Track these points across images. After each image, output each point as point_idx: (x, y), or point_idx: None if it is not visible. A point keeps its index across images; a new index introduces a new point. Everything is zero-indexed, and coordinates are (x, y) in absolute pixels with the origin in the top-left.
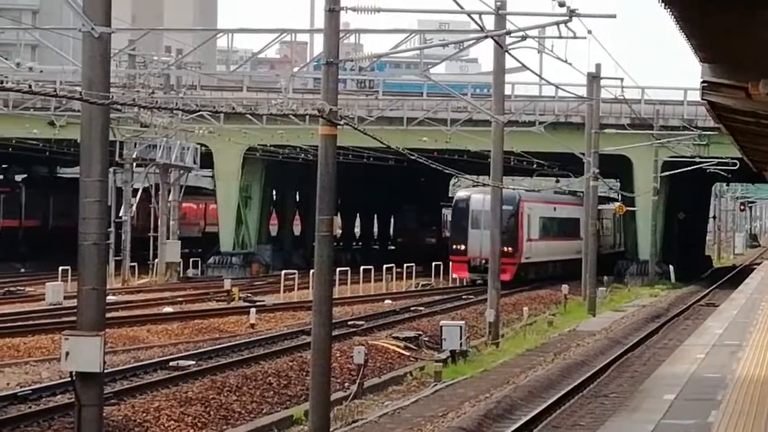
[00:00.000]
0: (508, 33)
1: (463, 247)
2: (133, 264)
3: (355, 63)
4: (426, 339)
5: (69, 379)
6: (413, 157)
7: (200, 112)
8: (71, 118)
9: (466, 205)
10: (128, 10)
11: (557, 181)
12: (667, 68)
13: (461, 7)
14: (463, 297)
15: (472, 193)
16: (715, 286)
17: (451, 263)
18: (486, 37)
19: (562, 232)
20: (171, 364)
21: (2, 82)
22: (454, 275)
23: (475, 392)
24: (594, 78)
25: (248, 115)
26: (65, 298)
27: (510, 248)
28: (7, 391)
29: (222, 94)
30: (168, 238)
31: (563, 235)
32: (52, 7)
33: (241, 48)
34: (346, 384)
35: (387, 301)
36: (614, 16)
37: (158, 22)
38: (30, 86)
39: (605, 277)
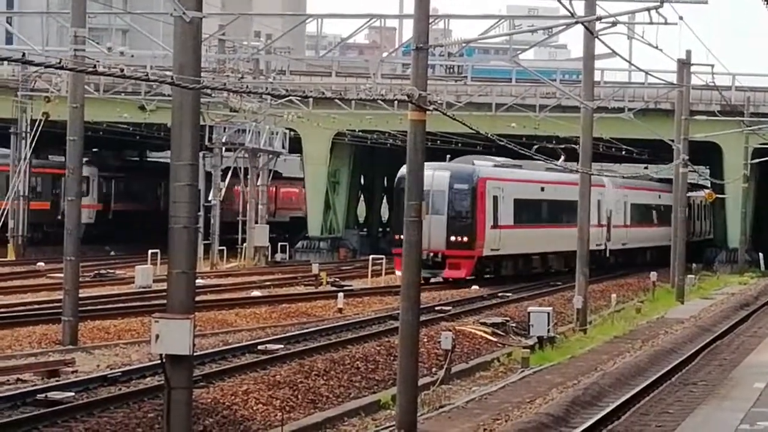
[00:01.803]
0: (599, 19)
1: None
2: (221, 248)
3: (444, 48)
4: (513, 325)
5: (159, 361)
6: (502, 143)
7: (289, 97)
8: (161, 102)
9: None
10: None
11: (645, 168)
12: (759, 55)
13: None
14: (551, 283)
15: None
16: None
17: (394, 258)
18: (576, 22)
19: (558, 217)
20: (259, 347)
21: (94, 67)
22: (398, 272)
23: (562, 379)
24: (684, 64)
25: (337, 100)
26: (154, 281)
27: (465, 238)
28: (98, 372)
29: (311, 79)
30: (256, 223)
31: (558, 222)
32: None
33: (330, 33)
34: (434, 369)
35: (474, 287)
36: (706, 2)
37: (248, 7)
38: (121, 70)
39: (693, 265)
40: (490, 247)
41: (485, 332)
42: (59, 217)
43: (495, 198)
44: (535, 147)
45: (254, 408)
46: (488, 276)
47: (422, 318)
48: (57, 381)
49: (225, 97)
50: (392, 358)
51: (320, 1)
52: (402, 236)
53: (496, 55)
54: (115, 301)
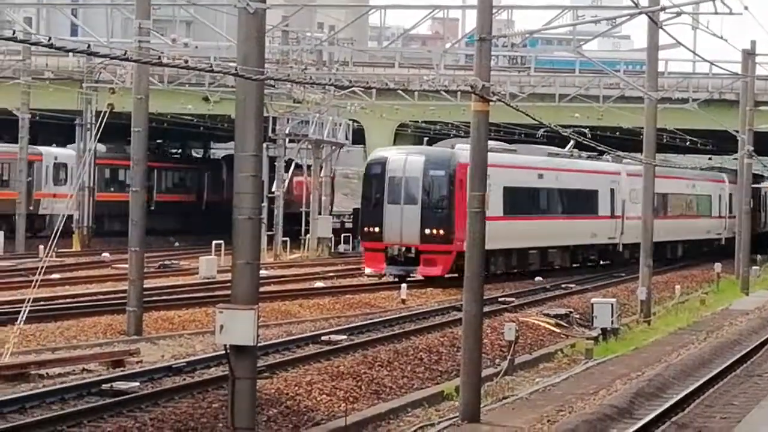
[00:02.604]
0: (663, 9)
1: (377, 229)
2: (285, 239)
3: (508, 39)
4: (577, 316)
5: (223, 351)
6: (565, 134)
7: (352, 88)
8: (225, 93)
9: (382, 169)
10: None
11: (710, 159)
12: None
13: None
14: (614, 275)
15: (391, 154)
16: None
17: (364, 253)
18: (640, 13)
19: (561, 208)
20: (323, 338)
21: (159, 58)
22: (367, 269)
23: (626, 370)
24: (749, 55)
25: (400, 91)
26: (218, 272)
27: (441, 230)
28: (162, 363)
29: (374, 70)
30: (319, 214)
31: (561, 213)
32: None
33: (393, 24)
34: (497, 360)
35: (537, 278)
36: None
37: None
38: (186, 62)
39: (758, 256)
40: None
41: (548, 323)
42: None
43: None
44: (542, 131)
45: (318, 398)
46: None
47: (485, 309)
48: (122, 371)
49: (288, 89)
50: (455, 349)
51: None
52: (370, 228)
53: (559, 45)
54: (179, 291)
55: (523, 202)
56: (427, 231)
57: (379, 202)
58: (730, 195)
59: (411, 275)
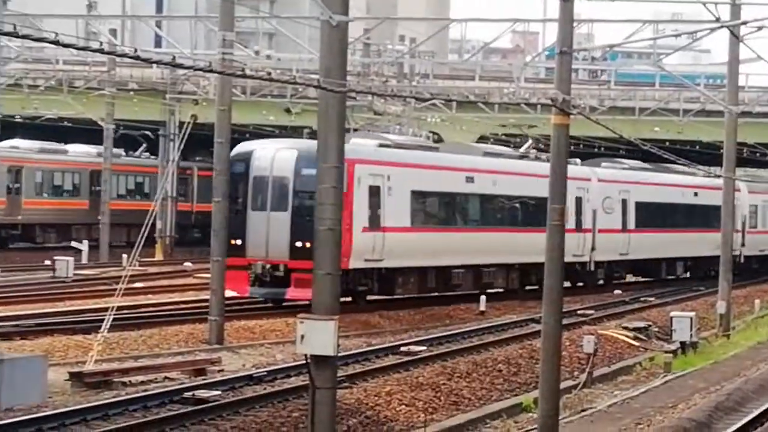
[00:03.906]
0: (744, 23)
1: (239, 242)
2: None
3: (588, 53)
4: (656, 329)
5: (303, 361)
6: (645, 148)
7: (433, 101)
8: (307, 105)
9: (245, 167)
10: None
11: None
12: None
13: None
14: (693, 288)
15: (257, 148)
16: None
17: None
18: (721, 27)
19: (504, 218)
20: (402, 349)
21: (242, 70)
22: (228, 290)
23: (705, 384)
24: None
25: (480, 104)
26: None
27: None
28: (243, 372)
29: (454, 82)
30: None
31: (501, 225)
32: None
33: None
34: (575, 373)
35: (617, 291)
36: None
37: (392, 12)
38: (268, 74)
39: None
40: (364, 257)
41: (627, 336)
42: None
43: (375, 189)
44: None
45: (397, 409)
46: (368, 297)
47: (564, 322)
48: (204, 379)
49: (369, 101)
50: (534, 361)
51: (464, 5)
52: (232, 240)
53: (639, 59)
54: (260, 301)
55: (440, 210)
56: (299, 244)
57: (242, 208)
58: (756, 206)
59: (278, 298)
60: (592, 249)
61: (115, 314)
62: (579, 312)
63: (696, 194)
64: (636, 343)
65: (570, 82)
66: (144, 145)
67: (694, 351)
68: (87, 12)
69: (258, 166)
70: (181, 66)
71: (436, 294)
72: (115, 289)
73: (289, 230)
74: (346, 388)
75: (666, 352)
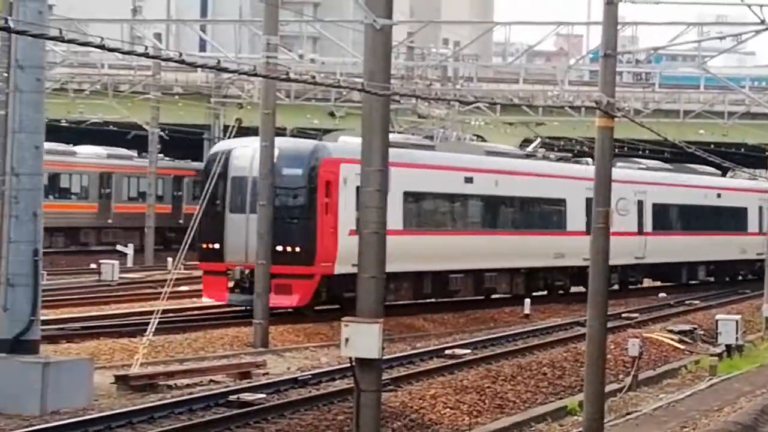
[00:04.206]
0: None
1: (216, 245)
2: None
3: (633, 55)
4: (701, 333)
5: (348, 364)
6: (690, 150)
7: (477, 104)
8: (351, 108)
9: (225, 167)
10: (407, 3)
11: None
12: None
13: None
14: (739, 291)
15: (236, 147)
16: None
17: (202, 277)
18: (766, 29)
19: (508, 221)
20: (447, 352)
21: (286, 74)
22: (205, 298)
23: (751, 387)
24: None
25: (524, 107)
26: None
27: (298, 247)
28: (288, 375)
29: (498, 85)
30: None
31: (512, 227)
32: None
33: (518, 40)
34: (620, 376)
35: (661, 294)
36: None
37: (436, 15)
38: (313, 77)
39: None
40: (352, 262)
41: (672, 339)
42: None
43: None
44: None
45: (442, 412)
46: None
47: (609, 324)
48: (249, 382)
49: (413, 104)
50: (579, 364)
51: (508, 8)
52: (209, 244)
53: (684, 61)
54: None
55: (436, 212)
56: (280, 248)
57: (220, 210)
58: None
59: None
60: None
61: (160, 317)
62: (624, 315)
63: (719, 196)
64: (681, 347)
65: (614, 84)
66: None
67: (740, 354)
68: (132, 16)
69: (237, 165)
70: (225, 70)
71: (433, 300)
72: (161, 293)
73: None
74: (391, 391)
75: (711, 355)
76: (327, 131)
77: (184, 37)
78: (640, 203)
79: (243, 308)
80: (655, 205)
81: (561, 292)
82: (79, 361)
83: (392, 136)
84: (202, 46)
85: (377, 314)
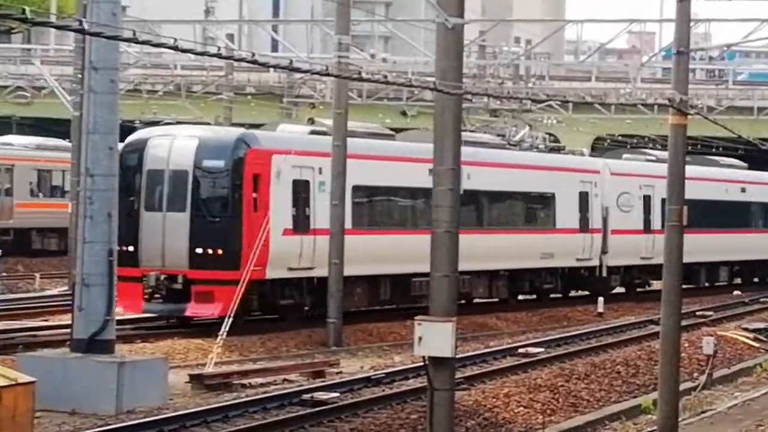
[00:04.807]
0: None
1: (131, 248)
2: None
3: (706, 52)
4: None
5: (421, 363)
6: (765, 147)
7: (549, 102)
8: (422, 107)
9: (139, 159)
10: (478, 2)
11: None
12: None
13: None
14: None
15: (153, 136)
16: None
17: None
18: None
19: (482, 217)
20: (520, 351)
21: (358, 73)
22: (119, 308)
23: None
24: None
25: (597, 105)
26: None
27: (221, 250)
28: (362, 374)
29: (570, 84)
30: None
31: (487, 224)
32: None
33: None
34: (695, 374)
35: (736, 292)
36: None
37: (508, 13)
38: (384, 77)
39: None
40: (288, 265)
41: (747, 337)
42: None
43: (302, 185)
44: None
45: (515, 411)
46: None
47: (683, 323)
48: (322, 381)
49: (485, 102)
50: (653, 362)
51: (580, 6)
52: (123, 246)
53: (758, 58)
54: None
55: (394, 209)
56: (200, 250)
57: (134, 208)
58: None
59: (176, 315)
60: (603, 252)
61: (233, 317)
62: (698, 313)
63: (744, 190)
64: (756, 345)
65: (687, 82)
66: None
67: None
68: (205, 17)
69: (153, 157)
70: (298, 70)
71: (395, 306)
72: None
73: (188, 234)
74: (464, 389)
75: None
76: (399, 130)
77: (257, 38)
78: (647, 198)
79: (310, 310)
80: (664, 201)
81: (552, 296)
82: (154, 361)
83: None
84: (274, 47)
85: (450, 313)
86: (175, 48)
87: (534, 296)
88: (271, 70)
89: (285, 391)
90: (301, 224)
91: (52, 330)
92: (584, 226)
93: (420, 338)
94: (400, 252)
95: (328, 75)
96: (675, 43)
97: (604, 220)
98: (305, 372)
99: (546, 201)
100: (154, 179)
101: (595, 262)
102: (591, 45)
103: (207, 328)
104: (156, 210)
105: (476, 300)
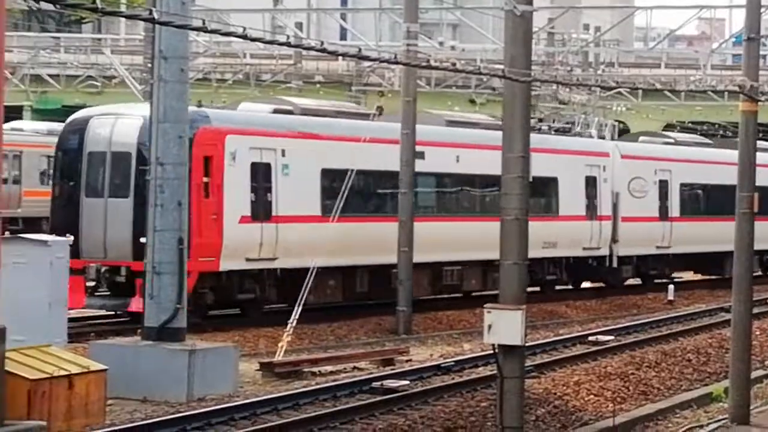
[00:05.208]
0: None
1: (71, 237)
2: None
3: None
4: None
5: (490, 351)
6: None
7: (618, 89)
8: (491, 95)
9: (80, 140)
10: None
11: None
12: None
13: None
14: None
15: (95, 115)
16: None
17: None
18: None
19: (475, 204)
20: (590, 338)
21: (427, 61)
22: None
23: None
24: None
25: (666, 92)
26: None
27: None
28: (431, 362)
29: (640, 70)
30: None
31: (481, 211)
32: None
33: (659, 25)
34: (766, 362)
35: None
36: None
37: (577, 1)
38: (453, 65)
39: None
40: (245, 255)
41: None
42: None
43: (262, 168)
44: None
45: (585, 399)
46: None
47: (755, 310)
48: (392, 369)
49: (554, 90)
50: (724, 350)
51: None
52: (66, 237)
53: None
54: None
55: (371, 195)
56: (144, 240)
57: (74, 193)
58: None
59: (120, 311)
60: (614, 241)
61: (303, 306)
62: None
63: None
64: None
65: (758, 68)
66: None
67: None
68: (273, 6)
69: (94, 138)
70: (366, 58)
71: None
72: None
73: (131, 222)
74: (534, 377)
75: None
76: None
77: (325, 26)
78: (663, 183)
79: (378, 299)
80: (684, 186)
81: (558, 287)
82: (224, 349)
83: (309, 102)
84: (343, 35)
85: (520, 300)
86: (244, 37)
87: (538, 288)
88: (340, 58)
89: (355, 379)
90: (261, 211)
91: (120, 318)
92: (591, 213)
93: (489, 326)
94: (377, 242)
95: (396, 63)
96: (745, 29)
97: (615, 207)
98: (375, 360)
99: (547, 186)
100: (96, 162)
101: (605, 252)
102: (660, 32)
103: (277, 317)
104: (97, 196)
105: (471, 293)
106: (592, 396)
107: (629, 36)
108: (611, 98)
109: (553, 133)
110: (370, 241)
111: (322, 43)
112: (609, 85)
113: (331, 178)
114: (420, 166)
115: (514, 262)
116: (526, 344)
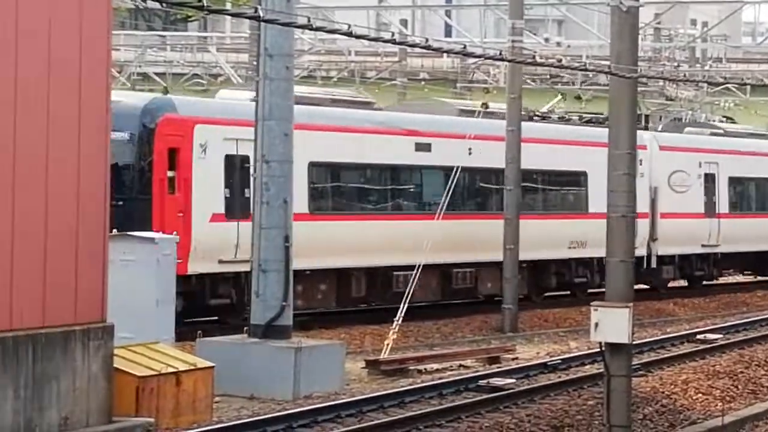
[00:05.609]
0: None
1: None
2: None
3: None
4: None
5: (597, 349)
6: None
7: (726, 85)
8: (597, 92)
9: None
10: None
11: None
12: None
13: None
14: None
15: None
16: None
17: None
18: None
19: (488, 201)
20: (698, 337)
21: (532, 58)
22: None
23: None
24: None
25: None
26: None
27: None
28: (538, 360)
29: (748, 66)
30: None
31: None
32: None
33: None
34: None
35: None
36: None
37: None
38: (559, 61)
39: None
40: (218, 257)
41: None
42: None
43: (238, 161)
44: None
45: (693, 397)
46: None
47: None
48: (498, 367)
49: (661, 86)
50: None
51: None
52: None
53: None
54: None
55: (368, 191)
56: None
57: None
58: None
59: None
60: (653, 239)
61: (409, 303)
62: None
63: None
64: None
65: None
66: None
67: None
68: (378, 3)
69: None
70: (471, 54)
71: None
72: None
73: None
74: (641, 376)
75: None
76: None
77: (430, 23)
78: (710, 177)
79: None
80: (732, 180)
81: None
82: (330, 346)
83: (307, 90)
84: (448, 32)
85: (627, 298)
86: (349, 34)
87: (568, 292)
88: (445, 55)
89: (461, 377)
90: (236, 208)
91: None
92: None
93: (596, 324)
94: (375, 242)
95: (501, 60)
96: None
97: (653, 202)
98: (481, 358)
99: (576, 180)
100: None
101: (642, 252)
102: None
103: (383, 315)
104: None
105: (487, 296)
106: (700, 395)
107: (737, 31)
108: (719, 94)
109: (583, 123)
110: (369, 243)
111: (427, 40)
112: (716, 81)
113: (323, 173)
114: (425, 159)
115: (621, 259)
116: (633, 342)
